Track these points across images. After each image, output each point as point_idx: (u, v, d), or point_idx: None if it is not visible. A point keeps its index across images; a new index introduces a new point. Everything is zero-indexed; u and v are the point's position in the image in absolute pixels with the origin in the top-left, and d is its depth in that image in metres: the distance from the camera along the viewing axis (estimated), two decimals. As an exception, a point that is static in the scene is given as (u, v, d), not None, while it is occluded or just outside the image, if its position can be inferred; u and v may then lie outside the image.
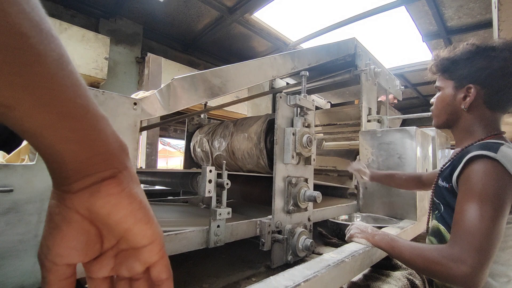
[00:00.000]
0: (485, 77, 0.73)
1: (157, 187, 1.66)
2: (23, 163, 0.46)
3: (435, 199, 0.81)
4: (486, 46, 0.74)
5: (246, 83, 0.89)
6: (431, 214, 0.84)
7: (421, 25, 2.28)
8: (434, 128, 1.80)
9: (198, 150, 1.41)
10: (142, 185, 1.64)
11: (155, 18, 2.20)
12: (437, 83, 0.85)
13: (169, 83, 0.67)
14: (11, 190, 0.44)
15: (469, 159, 0.66)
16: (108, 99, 0.56)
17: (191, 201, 1.48)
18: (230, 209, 0.77)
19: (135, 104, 0.60)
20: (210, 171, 0.72)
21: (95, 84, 1.84)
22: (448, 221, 0.72)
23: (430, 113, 1.65)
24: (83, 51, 1.72)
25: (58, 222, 0.22)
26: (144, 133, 1.83)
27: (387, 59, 3.08)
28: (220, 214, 0.75)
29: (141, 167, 1.58)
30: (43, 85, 0.18)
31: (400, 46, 2.95)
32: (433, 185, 0.82)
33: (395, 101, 2.02)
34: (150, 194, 1.53)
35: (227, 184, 0.75)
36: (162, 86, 0.68)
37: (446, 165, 0.79)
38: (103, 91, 0.56)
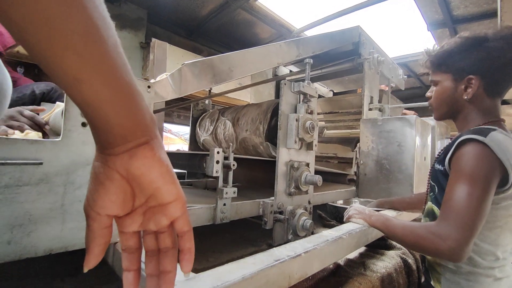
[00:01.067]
0: (485, 67, 0.76)
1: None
2: (51, 139, 0.51)
3: (431, 182, 0.85)
4: (479, 37, 0.77)
5: (252, 69, 0.92)
6: (427, 196, 0.88)
7: (426, 14, 2.26)
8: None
9: (203, 134, 1.45)
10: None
11: (160, 3, 2.19)
12: (433, 77, 0.88)
13: (180, 67, 0.71)
14: (41, 163, 0.49)
15: (460, 142, 0.70)
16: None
17: (195, 184, 1.54)
18: (236, 189, 0.82)
19: (149, 87, 0.64)
20: (218, 152, 0.77)
21: (101, 69, 1.86)
22: (440, 202, 0.77)
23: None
24: (89, 35, 1.72)
25: (102, 180, 0.27)
26: (150, 118, 1.86)
27: (391, 48, 3.06)
28: (226, 192, 0.80)
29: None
30: (106, 63, 0.23)
31: (405, 35, 2.92)
32: (430, 169, 0.87)
33: (386, 88, 2.04)
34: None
35: (234, 165, 0.80)
36: (167, 71, 0.72)
37: (443, 150, 0.83)
38: (120, 74, 0.59)
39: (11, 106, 0.67)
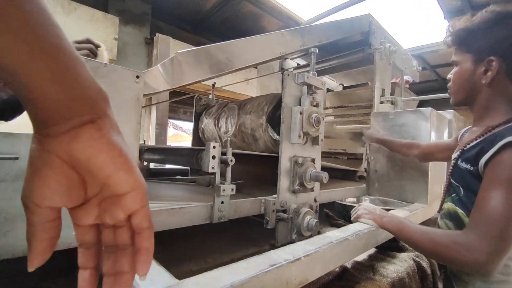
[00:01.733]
0: (506, 48, 0.67)
1: (167, 166, 1.69)
2: (26, 132, 0.47)
3: (453, 181, 0.75)
4: (504, 12, 0.68)
5: (252, 59, 0.86)
6: (445, 195, 0.79)
7: (443, 1, 2.13)
8: (451, 111, 1.74)
9: (206, 130, 1.41)
10: (152, 164, 1.67)
11: (164, -3, 2.16)
12: (454, 57, 0.79)
13: (173, 57, 0.66)
14: (17, 158, 0.46)
15: (504, 145, 0.60)
16: (111, 71, 0.56)
17: (199, 181, 1.51)
18: (234, 186, 0.77)
19: (137, 77, 0.60)
20: (214, 147, 0.72)
21: (105, 65, 1.85)
22: (468, 206, 0.68)
23: (447, 94, 1.57)
24: (92, 31, 1.71)
25: (39, 166, 0.22)
26: (154, 113, 1.85)
27: (405, 39, 2.92)
28: (224, 190, 0.75)
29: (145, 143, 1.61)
30: (11, 13, 0.18)
31: (420, 25, 2.78)
32: (451, 165, 0.77)
33: (407, 85, 1.93)
34: (159, 173, 1.57)
35: (231, 160, 0.75)
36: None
37: (471, 145, 0.72)
38: (106, 63, 0.55)
39: None
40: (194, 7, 2.30)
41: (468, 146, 0.73)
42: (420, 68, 2.11)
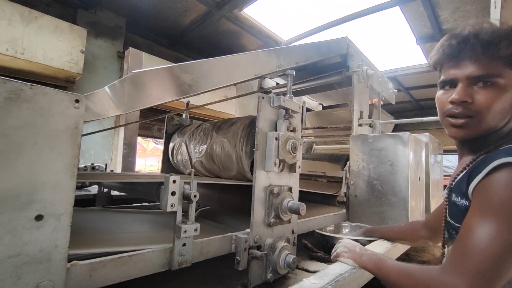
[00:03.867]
0: None
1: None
2: None
3: (452, 222, 0.64)
4: None
5: (222, 81, 0.79)
6: (445, 241, 0.69)
7: (415, 27, 2.22)
8: (427, 134, 1.75)
9: (177, 152, 1.30)
10: (116, 192, 1.51)
11: (139, 11, 2.08)
12: (491, 70, 0.58)
13: (124, 77, 0.57)
14: None
15: (495, 168, 0.52)
16: (39, 95, 0.46)
17: (169, 208, 1.37)
18: (198, 225, 0.67)
19: (77, 101, 0.49)
20: (174, 181, 0.62)
21: (70, 78, 1.71)
22: None
23: (423, 118, 1.58)
24: (56, 42, 1.58)
25: None
26: (121, 133, 1.71)
27: (381, 61, 3.02)
28: (185, 231, 0.64)
29: (111, 170, 1.46)
30: None
31: (394, 49, 2.89)
32: (446, 204, 0.68)
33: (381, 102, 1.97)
34: (122, 200, 1.41)
35: (195, 196, 0.65)
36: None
37: (461, 176, 0.64)
38: (32, 85, 0.45)
39: None
40: (172, 22, 2.24)
41: (458, 177, 0.65)
42: (396, 90, 2.15)
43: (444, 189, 0.71)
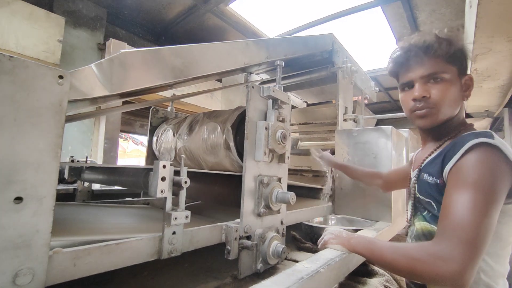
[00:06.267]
0: (466, 66, 0.71)
1: (116, 187, 1.48)
2: None
3: (422, 197, 0.72)
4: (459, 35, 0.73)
5: (212, 67, 0.77)
6: (413, 215, 0.76)
7: (395, 28, 2.31)
8: (407, 129, 1.82)
9: (162, 146, 1.26)
10: (98, 185, 1.45)
11: (121, 2, 2.01)
12: (435, 69, 0.69)
13: (113, 56, 0.54)
14: None
15: (470, 148, 0.59)
16: (19, 67, 0.42)
17: (153, 203, 1.33)
18: (189, 212, 0.65)
19: (60, 77, 0.46)
20: (164, 166, 0.60)
21: (45, 69, 1.61)
22: None
23: (403, 114, 1.64)
24: (30, 30, 1.48)
25: None
26: (103, 126, 1.63)
27: (362, 61, 3.11)
28: (175, 218, 0.62)
29: (91, 161, 1.39)
30: None
31: (375, 49, 3.00)
32: (414, 182, 0.75)
33: (366, 101, 2.04)
34: (104, 195, 1.35)
35: (186, 182, 0.63)
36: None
37: (432, 157, 0.72)
38: (11, 56, 0.42)
39: None
40: (155, 15, 2.18)
41: (428, 159, 0.73)
42: (377, 89, 2.22)
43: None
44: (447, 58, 0.69)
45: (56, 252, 0.47)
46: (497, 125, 3.84)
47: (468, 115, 3.13)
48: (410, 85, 0.74)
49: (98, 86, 0.53)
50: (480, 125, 3.45)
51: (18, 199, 0.42)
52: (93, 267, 0.52)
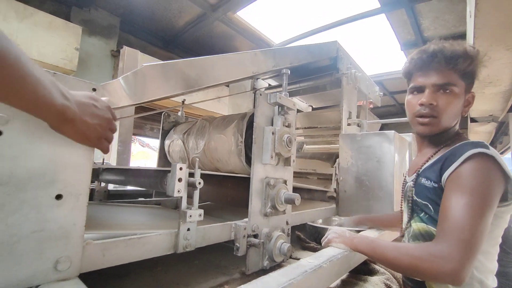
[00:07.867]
0: (473, 84, 0.75)
1: (129, 187, 1.55)
2: None
3: (419, 200, 0.76)
4: (482, 55, 0.74)
5: (224, 77, 0.84)
6: (411, 216, 0.80)
7: (400, 34, 2.35)
8: (411, 134, 1.86)
9: (173, 149, 1.33)
10: (112, 185, 1.52)
11: (134, 11, 2.10)
12: (450, 80, 0.72)
13: (137, 70, 0.61)
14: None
15: (469, 157, 0.64)
16: (60, 82, 0.49)
17: (164, 203, 1.40)
18: (202, 211, 0.71)
19: (94, 90, 0.53)
20: (181, 168, 0.66)
21: (63, 76, 1.70)
22: None
23: (407, 119, 1.68)
24: (50, 39, 1.58)
25: None
26: (116, 130, 1.70)
27: (367, 66, 3.15)
28: (190, 216, 0.68)
29: (107, 163, 1.47)
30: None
31: (380, 54, 3.03)
32: (412, 186, 0.79)
33: (371, 106, 2.07)
34: (119, 195, 1.43)
35: (199, 183, 0.69)
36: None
37: (429, 164, 0.76)
38: (55, 72, 0.49)
39: None
40: (166, 23, 2.27)
41: (426, 165, 0.77)
42: (382, 93, 2.26)
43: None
44: (462, 73, 0.72)
45: (89, 243, 0.53)
46: (502, 129, 3.81)
47: (473, 120, 3.14)
48: (420, 90, 0.77)
49: (124, 96, 0.60)
50: (485, 129, 3.44)
51: (59, 196, 0.48)
52: (119, 257, 0.58)
